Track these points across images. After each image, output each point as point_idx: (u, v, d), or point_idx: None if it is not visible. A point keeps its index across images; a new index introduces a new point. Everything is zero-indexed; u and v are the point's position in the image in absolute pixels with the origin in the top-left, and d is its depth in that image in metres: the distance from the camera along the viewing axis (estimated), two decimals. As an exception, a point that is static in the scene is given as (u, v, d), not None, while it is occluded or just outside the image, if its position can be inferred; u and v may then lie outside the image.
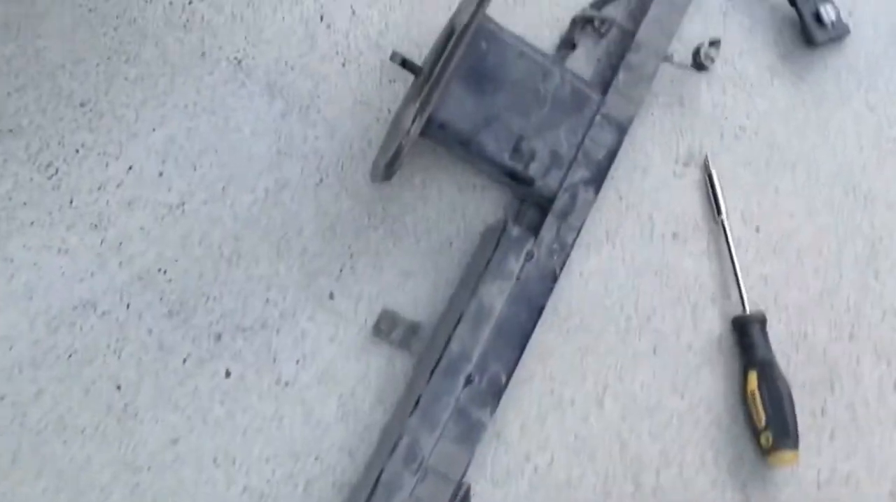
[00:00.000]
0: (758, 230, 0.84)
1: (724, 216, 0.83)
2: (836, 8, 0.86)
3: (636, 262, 0.82)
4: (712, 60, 0.81)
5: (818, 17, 0.85)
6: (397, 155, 0.69)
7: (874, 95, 0.89)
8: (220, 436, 0.76)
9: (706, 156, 0.85)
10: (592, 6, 0.85)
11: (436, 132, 0.75)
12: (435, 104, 0.69)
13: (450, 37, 0.73)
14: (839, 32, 0.86)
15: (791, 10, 0.87)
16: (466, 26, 0.69)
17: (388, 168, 0.71)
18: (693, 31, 0.88)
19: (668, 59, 0.81)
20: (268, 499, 0.75)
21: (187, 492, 0.75)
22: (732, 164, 0.85)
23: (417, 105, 0.69)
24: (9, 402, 0.76)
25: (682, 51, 0.85)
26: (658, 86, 0.84)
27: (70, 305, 0.79)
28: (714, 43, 0.82)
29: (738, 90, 0.87)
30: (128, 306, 0.80)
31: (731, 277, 0.81)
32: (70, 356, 0.78)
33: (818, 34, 0.85)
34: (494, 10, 0.84)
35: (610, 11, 0.85)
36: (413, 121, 0.68)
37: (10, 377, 0.77)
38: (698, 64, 0.81)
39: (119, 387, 0.78)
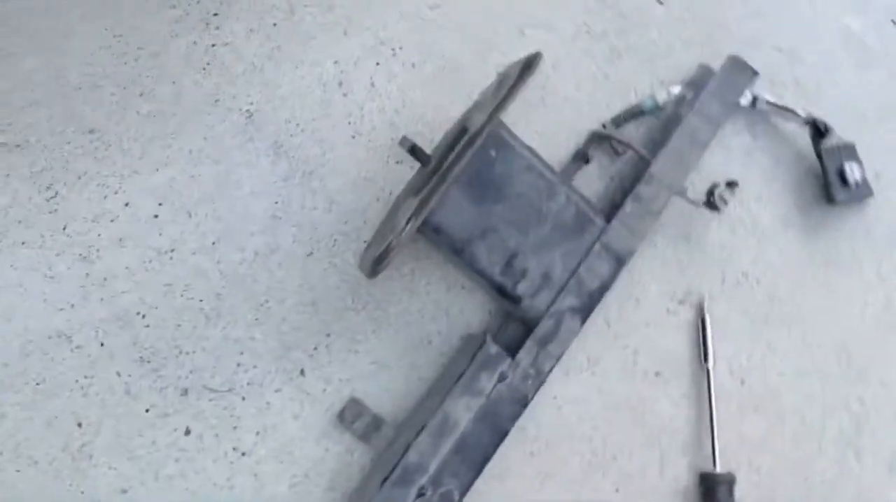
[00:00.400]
0: (742, 383, 0.87)
1: (710, 364, 0.85)
2: (862, 168, 0.87)
3: (613, 395, 0.85)
4: (726, 203, 0.84)
5: (842, 175, 0.87)
6: (386, 254, 0.72)
7: (888, 266, 0.90)
8: (169, 494, 0.80)
9: (703, 299, 0.87)
10: (614, 121, 0.88)
11: (430, 234, 0.77)
12: (433, 207, 0.71)
13: (462, 133, 0.76)
14: (862, 194, 0.88)
15: (816, 162, 0.89)
16: (479, 131, 0.72)
17: (375, 264, 0.74)
18: (713, 166, 0.90)
19: (680, 193, 0.84)
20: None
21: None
22: (729, 311, 0.87)
23: (416, 202, 0.72)
24: (-32, 423, 0.81)
25: (697, 184, 0.88)
26: (666, 217, 0.87)
27: (46, 333, 0.83)
28: (731, 184, 0.84)
29: (748, 235, 0.90)
30: (102, 344, 0.83)
31: (707, 429, 0.83)
32: (38, 384, 0.82)
33: (839, 193, 0.87)
34: (514, 110, 0.87)
35: (630, 131, 0.87)
36: (408, 222, 0.71)
37: (-27, 398, 0.81)
38: (711, 204, 0.84)
39: (80, 425, 0.82)
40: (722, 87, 0.87)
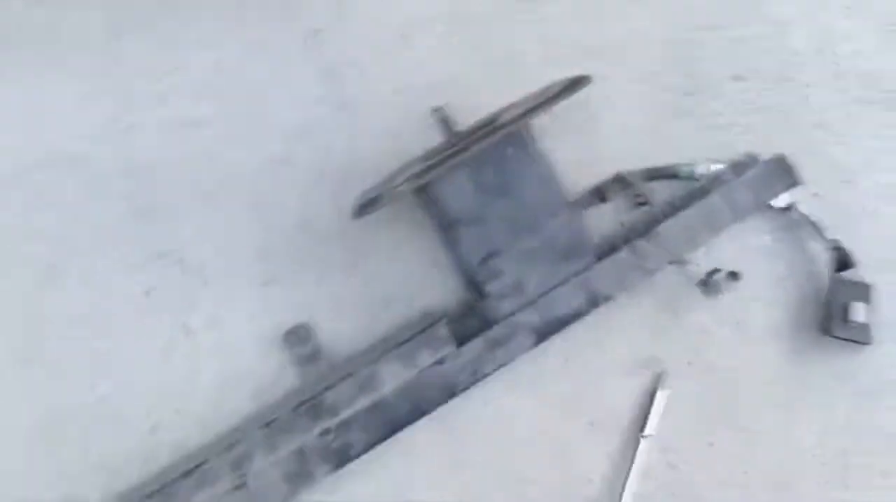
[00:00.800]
0: (670, 467, 0.89)
1: (644, 435, 0.88)
2: (870, 312, 0.88)
3: (543, 425, 0.89)
4: (721, 291, 0.87)
5: (845, 311, 0.89)
6: (374, 201, 0.78)
7: (860, 417, 0.90)
8: (105, 341, 0.89)
9: (664, 374, 0.91)
10: (642, 173, 0.92)
11: (425, 202, 0.84)
12: (436, 176, 0.77)
13: (490, 123, 0.82)
14: (860, 337, 0.89)
15: (827, 287, 0.91)
16: (504, 125, 0.78)
17: (362, 207, 0.81)
18: (725, 251, 0.93)
19: (679, 263, 0.87)
20: (116, 421, 0.87)
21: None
22: (685, 395, 0.90)
23: (422, 167, 0.78)
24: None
25: (702, 262, 0.90)
26: (660, 281, 0.90)
27: (69, 154, 0.93)
28: (734, 275, 0.87)
29: (732, 331, 0.92)
30: (108, 185, 0.93)
31: (617, 495, 0.87)
32: (37, 194, 0.93)
33: (837, 327, 0.89)
34: (554, 125, 0.93)
35: (656, 188, 0.91)
36: (406, 180, 0.78)
37: None
38: (706, 286, 0.87)
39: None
40: (759, 181, 0.90)
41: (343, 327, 0.91)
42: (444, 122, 0.87)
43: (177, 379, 0.88)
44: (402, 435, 0.83)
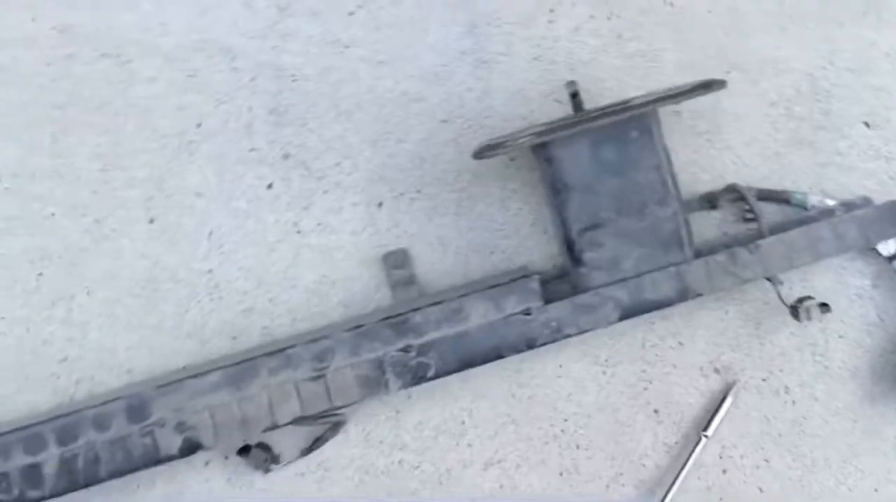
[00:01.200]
0: (724, 472, 0.97)
1: (706, 435, 0.96)
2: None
3: (609, 401, 0.97)
4: (809, 319, 0.93)
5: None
6: (496, 147, 0.87)
7: None
8: (221, 220, 1.00)
9: (736, 383, 0.98)
10: (759, 193, 0.99)
11: (542, 160, 0.92)
12: (558, 137, 0.86)
13: (621, 104, 0.90)
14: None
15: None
16: (633, 107, 0.86)
17: (485, 148, 0.89)
18: (820, 281, 1.00)
19: (773, 280, 0.94)
20: (215, 295, 0.98)
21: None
22: (752, 407, 0.97)
23: (546, 128, 0.87)
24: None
25: (795, 285, 0.98)
26: (749, 293, 0.98)
27: (220, 44, 1.04)
28: (824, 307, 0.93)
29: (811, 359, 0.99)
30: (253, 78, 1.03)
31: (666, 485, 0.94)
32: (189, 76, 1.04)
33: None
34: (676, 127, 1.01)
35: (764, 209, 0.98)
36: (529, 135, 0.87)
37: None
38: (795, 310, 0.93)
39: (199, 125, 1.02)
40: (869, 222, 0.95)
41: (439, 264, 1.00)
42: (575, 95, 0.95)
43: (277, 271, 0.99)
44: (473, 372, 0.91)
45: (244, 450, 0.92)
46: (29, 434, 0.85)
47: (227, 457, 0.95)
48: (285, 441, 0.95)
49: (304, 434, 0.95)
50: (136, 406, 0.87)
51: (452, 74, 1.05)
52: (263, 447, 0.92)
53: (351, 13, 1.06)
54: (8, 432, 0.86)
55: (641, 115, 0.89)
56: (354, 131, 1.03)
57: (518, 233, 1.01)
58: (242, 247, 0.99)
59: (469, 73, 1.05)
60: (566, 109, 1.02)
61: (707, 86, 0.88)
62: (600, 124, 0.87)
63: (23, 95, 1.01)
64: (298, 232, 1.00)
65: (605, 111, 0.88)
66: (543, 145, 0.90)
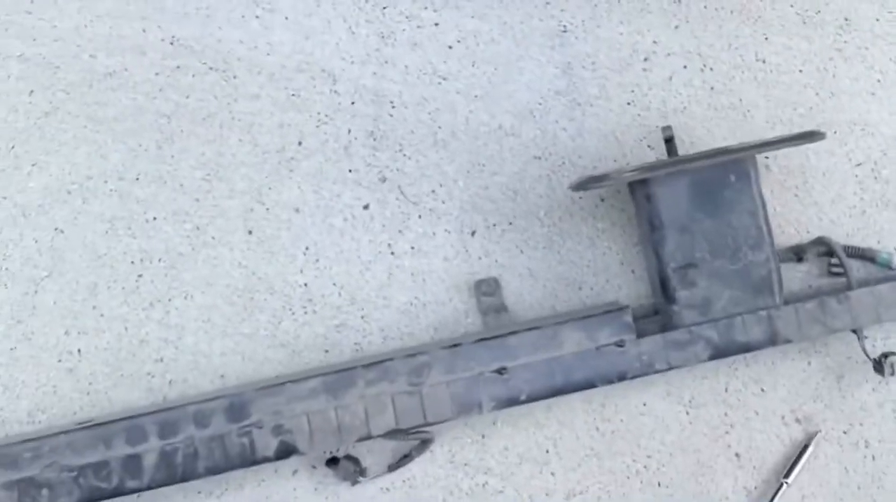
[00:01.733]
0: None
1: (787, 482, 1.03)
2: None
3: (691, 441, 1.04)
4: (892, 374, 1.01)
5: None
6: (599, 178, 0.97)
7: None
8: (319, 235, 1.08)
9: (818, 433, 1.05)
10: (845, 247, 1.08)
11: (641, 197, 1.01)
12: (659, 176, 0.96)
13: (720, 149, 0.99)
14: None
15: None
16: (732, 151, 0.96)
17: (587, 180, 0.99)
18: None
19: (858, 333, 1.02)
20: (309, 309, 1.07)
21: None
22: (833, 458, 1.04)
23: (647, 166, 0.97)
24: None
25: (877, 340, 1.06)
26: (833, 345, 1.06)
27: (323, 66, 1.15)
28: (908, 367, 1.02)
29: (891, 414, 1.06)
30: (353, 102, 1.13)
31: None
32: (292, 95, 1.14)
33: None
34: (770, 179, 1.11)
35: (853, 264, 1.07)
36: (632, 171, 0.96)
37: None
38: (879, 365, 1.01)
39: (300, 143, 1.12)
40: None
41: (528, 295, 1.08)
42: (670, 140, 1.06)
43: (370, 290, 1.07)
44: (558, 403, 0.99)
45: (333, 462, 0.98)
46: (131, 425, 0.92)
47: (314, 467, 1.01)
48: (372, 456, 1.02)
49: (391, 450, 1.01)
50: (237, 405, 0.94)
51: (547, 113, 1.15)
52: (352, 459, 0.99)
53: (450, 47, 1.18)
54: (111, 421, 0.93)
55: (741, 159, 0.99)
56: (449, 160, 1.13)
57: (606, 271, 1.09)
58: (337, 263, 1.08)
59: (563, 113, 1.15)
60: (657, 154, 1.13)
61: (808, 136, 0.98)
62: (701, 165, 0.97)
63: (131, 102, 1.11)
64: (392, 253, 1.09)
65: (706, 154, 0.98)
66: (644, 182, 1.00)
